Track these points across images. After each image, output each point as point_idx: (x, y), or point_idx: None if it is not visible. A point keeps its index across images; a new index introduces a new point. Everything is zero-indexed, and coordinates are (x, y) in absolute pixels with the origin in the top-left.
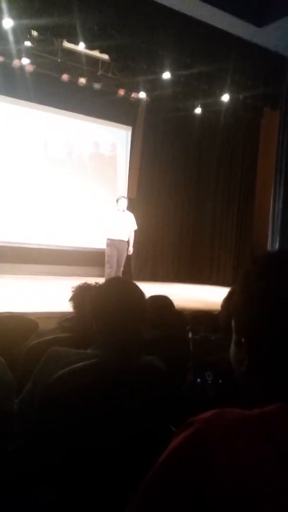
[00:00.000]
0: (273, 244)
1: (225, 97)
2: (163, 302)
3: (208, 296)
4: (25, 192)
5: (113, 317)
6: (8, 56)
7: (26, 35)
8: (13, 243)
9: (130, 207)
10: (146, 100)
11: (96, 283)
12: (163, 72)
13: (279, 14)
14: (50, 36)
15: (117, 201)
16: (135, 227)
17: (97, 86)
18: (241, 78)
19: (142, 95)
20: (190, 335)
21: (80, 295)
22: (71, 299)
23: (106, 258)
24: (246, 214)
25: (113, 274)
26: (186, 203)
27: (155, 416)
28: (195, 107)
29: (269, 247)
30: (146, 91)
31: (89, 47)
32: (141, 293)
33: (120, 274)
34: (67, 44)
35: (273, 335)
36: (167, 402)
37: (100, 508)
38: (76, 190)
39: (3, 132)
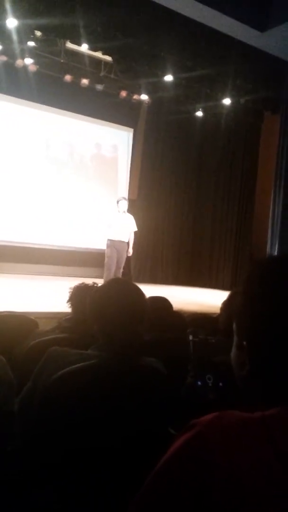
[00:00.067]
0: (272, 247)
1: (226, 101)
2: (162, 303)
3: (207, 299)
4: (26, 191)
5: (113, 318)
6: (12, 55)
7: (30, 35)
8: (14, 242)
9: (131, 209)
10: (148, 102)
11: (94, 283)
12: (165, 75)
13: (281, 19)
14: (53, 37)
15: (117, 202)
16: (135, 229)
17: (99, 87)
18: (243, 82)
19: (144, 97)
20: (190, 337)
21: (78, 295)
22: (69, 300)
23: (106, 259)
24: (245, 218)
25: (111, 277)
26: (186, 205)
27: (154, 417)
28: (196, 110)
29: (268, 251)
30: (148, 93)
31: (92, 48)
32: (141, 294)
33: (120, 275)
34: (70, 45)
35: (273, 335)
36: (166, 404)
37: (99, 508)
38: (77, 190)
39: (5, 131)
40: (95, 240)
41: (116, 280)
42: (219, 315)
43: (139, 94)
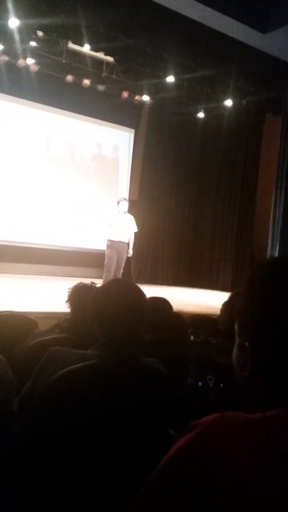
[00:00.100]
0: (273, 249)
1: (228, 102)
2: (161, 304)
3: (207, 301)
4: (26, 191)
5: (113, 318)
6: (13, 55)
7: (32, 35)
8: (14, 242)
9: (131, 209)
10: (150, 103)
11: (92, 283)
12: (167, 76)
13: (283, 20)
14: (55, 37)
15: (118, 203)
16: (135, 230)
17: (101, 88)
18: (244, 84)
19: (146, 98)
20: (192, 337)
21: (77, 295)
22: (68, 300)
23: (106, 259)
24: (246, 219)
25: (111, 277)
26: (187, 206)
27: (154, 418)
28: (198, 111)
29: (268, 252)
30: (150, 94)
31: (94, 48)
32: (142, 295)
33: (120, 276)
34: (72, 45)
35: (275, 336)
36: (165, 405)
37: (98, 508)
38: (78, 190)
39: (6, 131)
40: (95, 240)
41: (117, 281)
42: (220, 316)
43: (141, 95)
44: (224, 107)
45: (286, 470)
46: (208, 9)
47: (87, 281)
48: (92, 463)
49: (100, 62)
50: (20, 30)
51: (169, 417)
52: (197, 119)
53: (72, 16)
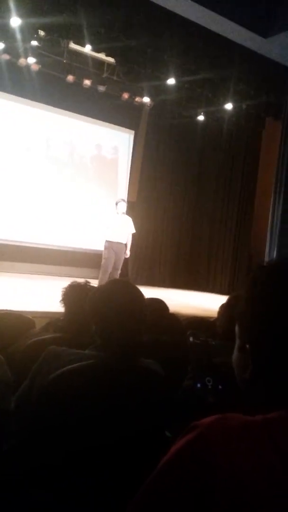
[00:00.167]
0: (271, 252)
1: (228, 106)
2: (158, 305)
3: (204, 303)
4: (25, 190)
5: (112, 318)
6: (15, 54)
7: (33, 34)
8: (11, 241)
9: (130, 211)
10: (150, 104)
11: (87, 281)
12: (167, 78)
13: (285, 25)
14: (56, 37)
15: (116, 204)
16: (133, 231)
17: (101, 88)
18: (245, 87)
19: (146, 99)
20: (191, 339)
21: (71, 294)
22: (62, 299)
23: (103, 260)
24: (245, 222)
25: (107, 278)
26: (185, 208)
27: (150, 419)
28: (198, 114)
29: (266, 255)
30: (150, 95)
31: (95, 49)
32: (140, 295)
33: (117, 277)
34: (73, 46)
35: (276, 338)
36: (162, 406)
37: (96, 507)
38: (77, 191)
39: (6, 130)
40: (93, 241)
41: (116, 281)
42: (217, 318)
43: (141, 96)
44: (224, 110)
45: (286, 471)
46: (210, 12)
47: (82, 280)
48: (89, 462)
49: (101, 62)
50: (22, 29)
51: (166, 419)
52: (197, 121)
53: (74, 16)
